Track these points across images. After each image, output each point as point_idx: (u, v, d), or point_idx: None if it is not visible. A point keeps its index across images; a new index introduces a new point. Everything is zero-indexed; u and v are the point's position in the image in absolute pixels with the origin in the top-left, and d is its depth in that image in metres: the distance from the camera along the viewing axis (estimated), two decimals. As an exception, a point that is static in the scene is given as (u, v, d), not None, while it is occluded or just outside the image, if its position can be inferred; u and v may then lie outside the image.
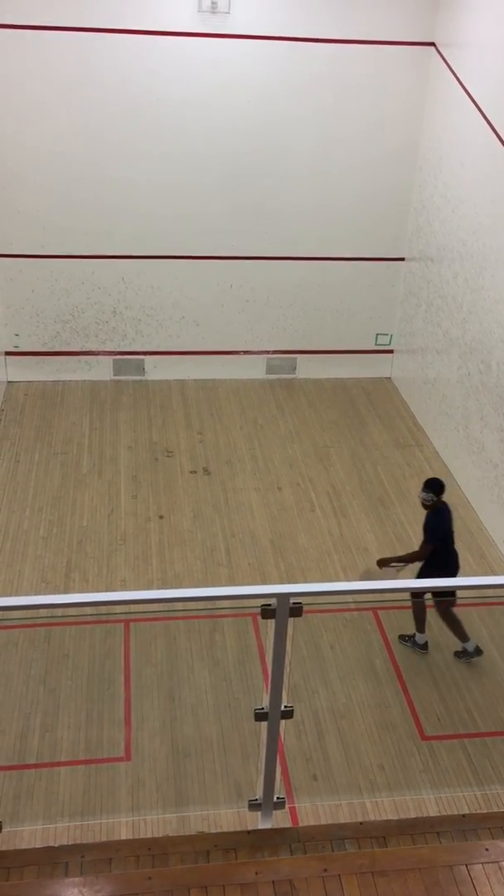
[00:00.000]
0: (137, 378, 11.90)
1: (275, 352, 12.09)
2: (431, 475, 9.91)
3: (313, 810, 5.84)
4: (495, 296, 8.82)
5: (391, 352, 12.23)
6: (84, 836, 5.63)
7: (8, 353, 11.53)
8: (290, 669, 3.82)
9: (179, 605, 7.19)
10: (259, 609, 3.54)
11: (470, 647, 7.17)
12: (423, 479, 7.17)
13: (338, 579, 8.15)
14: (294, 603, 3.54)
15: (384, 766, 6.22)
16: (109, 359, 11.78)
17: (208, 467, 9.96)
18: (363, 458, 10.32)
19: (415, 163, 11.05)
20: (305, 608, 3.55)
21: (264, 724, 3.89)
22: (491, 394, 8.94)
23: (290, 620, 3.56)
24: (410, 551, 7.29)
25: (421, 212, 10.96)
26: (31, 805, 5.78)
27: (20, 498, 9.17)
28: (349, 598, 7.15)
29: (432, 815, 5.80)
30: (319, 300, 11.80)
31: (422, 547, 6.93)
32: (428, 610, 7.25)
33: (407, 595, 7.32)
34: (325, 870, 3.64)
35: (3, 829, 5.37)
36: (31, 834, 5.55)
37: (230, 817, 5.66)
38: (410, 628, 7.32)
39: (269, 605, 3.52)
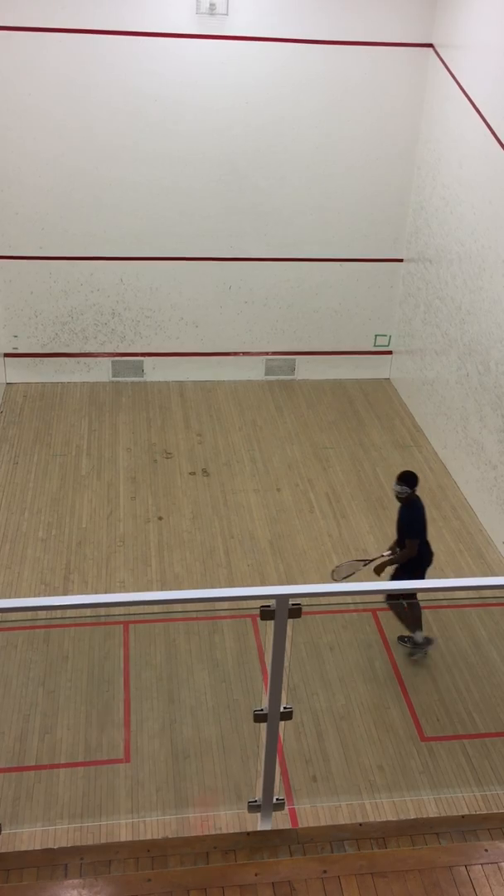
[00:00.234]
0: (136, 379, 11.90)
1: (274, 353, 12.09)
2: (431, 476, 9.97)
3: (313, 811, 5.84)
4: (493, 296, 8.83)
5: (390, 353, 12.24)
6: (83, 838, 5.63)
7: (7, 355, 11.53)
8: (289, 671, 3.82)
9: (179, 607, 7.20)
10: (258, 610, 3.54)
11: (419, 637, 7.17)
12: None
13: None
14: (293, 604, 3.54)
15: (384, 767, 6.22)
16: (108, 360, 11.78)
17: (207, 469, 9.96)
18: (362, 459, 10.32)
19: (413, 164, 11.06)
20: (304, 609, 3.55)
21: (264, 725, 3.89)
22: (490, 394, 8.94)
23: (290, 622, 3.56)
24: (395, 551, 7.16)
25: (419, 213, 10.97)
26: (31, 807, 5.78)
27: (19, 499, 9.16)
28: (348, 599, 7.15)
29: (432, 816, 5.81)
30: (318, 301, 11.81)
31: (409, 544, 6.90)
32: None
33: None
34: (325, 871, 3.65)
35: (3, 831, 5.37)
36: (30, 836, 5.55)
37: (230, 819, 5.66)
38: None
39: (269, 606, 3.52)
